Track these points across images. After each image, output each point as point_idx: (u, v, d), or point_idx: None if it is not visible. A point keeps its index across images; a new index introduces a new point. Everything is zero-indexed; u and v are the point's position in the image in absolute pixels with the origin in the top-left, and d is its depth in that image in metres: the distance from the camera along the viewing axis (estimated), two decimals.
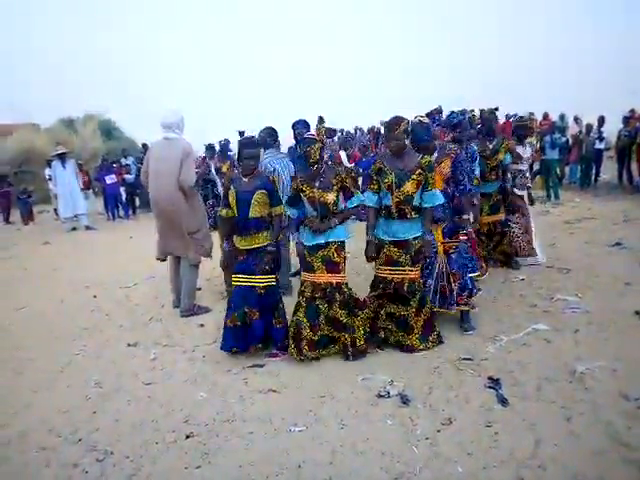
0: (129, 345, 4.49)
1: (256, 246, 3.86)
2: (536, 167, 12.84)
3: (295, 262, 6.14)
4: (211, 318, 4.91)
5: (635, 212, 8.54)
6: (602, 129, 11.42)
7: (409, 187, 3.66)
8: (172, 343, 4.43)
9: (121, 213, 13.59)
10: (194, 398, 3.41)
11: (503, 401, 3.04)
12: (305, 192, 3.76)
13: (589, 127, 11.79)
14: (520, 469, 2.43)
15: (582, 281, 5.13)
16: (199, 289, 5.71)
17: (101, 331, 4.93)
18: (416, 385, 3.34)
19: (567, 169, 12.57)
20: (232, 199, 3.86)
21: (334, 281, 3.75)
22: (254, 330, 3.84)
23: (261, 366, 3.80)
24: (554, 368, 3.39)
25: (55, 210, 13.04)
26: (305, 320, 3.71)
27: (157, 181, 4.86)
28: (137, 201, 14.15)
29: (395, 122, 3.65)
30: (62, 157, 11.57)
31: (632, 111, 12.12)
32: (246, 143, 3.86)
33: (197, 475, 2.64)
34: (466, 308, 4.14)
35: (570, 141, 12.34)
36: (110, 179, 13.00)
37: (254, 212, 3.81)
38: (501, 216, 5.66)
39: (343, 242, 3.82)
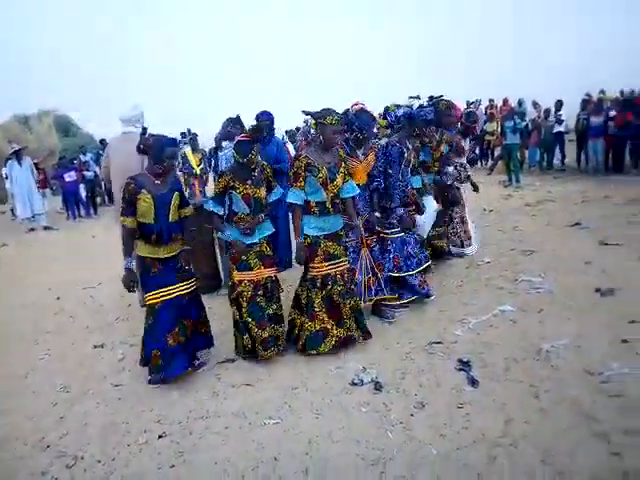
0: (95, 346, 4.38)
1: (174, 253, 3.57)
2: (498, 152, 13.13)
3: None
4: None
5: (592, 193, 8.83)
6: (560, 113, 11.71)
7: (339, 180, 3.69)
8: (139, 342, 4.33)
9: (82, 211, 13.21)
10: (166, 397, 3.35)
11: (473, 382, 3.10)
12: (239, 189, 3.62)
13: (547, 111, 12.08)
14: (492, 448, 2.49)
15: (545, 262, 5.27)
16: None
17: (66, 333, 4.79)
18: (389, 371, 3.38)
19: (527, 153, 12.84)
20: (147, 204, 3.36)
21: (273, 275, 3.78)
22: (194, 342, 3.67)
23: (232, 361, 3.77)
24: (521, 348, 3.47)
25: (12, 210, 12.57)
26: (251, 320, 3.64)
27: (119, 177, 4.72)
28: (98, 198, 13.77)
29: (328, 114, 3.57)
30: (18, 155, 11.14)
31: (588, 94, 12.48)
32: (168, 141, 3.45)
33: (172, 475, 2.60)
34: (386, 297, 4.22)
35: (529, 126, 12.62)
36: (69, 177, 12.60)
37: (174, 216, 3.51)
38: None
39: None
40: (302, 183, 3.62)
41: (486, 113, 14.24)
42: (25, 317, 5.36)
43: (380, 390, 3.14)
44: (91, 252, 8.44)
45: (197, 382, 3.52)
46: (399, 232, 4.31)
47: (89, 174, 12.99)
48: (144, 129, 3.91)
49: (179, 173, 8.86)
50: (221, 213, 3.70)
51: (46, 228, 11.42)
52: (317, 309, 3.67)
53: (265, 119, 5.46)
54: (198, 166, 7.42)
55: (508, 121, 10.99)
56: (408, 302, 4.33)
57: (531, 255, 5.57)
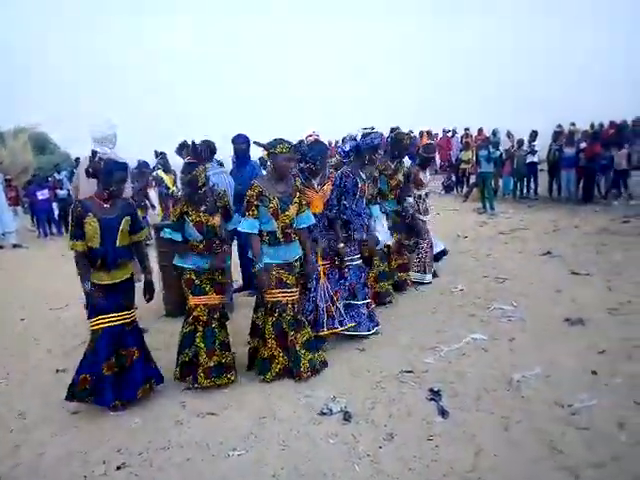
0: (57, 371, 4.21)
1: (124, 279, 3.47)
2: (473, 180, 13.36)
3: (237, 278, 6.05)
4: (147, 339, 4.68)
5: (564, 222, 9.01)
6: (534, 143, 12.00)
7: (292, 210, 3.68)
8: None
9: (53, 230, 12.92)
10: (126, 425, 3.22)
11: (443, 413, 3.05)
12: (191, 216, 3.60)
13: (520, 141, 12.37)
14: None
15: (517, 290, 5.31)
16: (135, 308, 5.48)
17: (28, 357, 4.61)
18: (359, 400, 3.31)
19: (501, 182, 13.09)
20: (92, 228, 3.29)
21: (224, 302, 3.81)
22: (136, 371, 3.49)
23: (197, 388, 3.65)
24: (492, 377, 3.45)
25: None
26: (203, 346, 3.60)
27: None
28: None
29: (279, 143, 3.59)
30: None
31: (560, 126, 12.86)
32: (117, 165, 3.40)
33: None
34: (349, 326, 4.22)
35: (503, 155, 12.90)
36: (42, 194, 12.39)
37: (122, 241, 3.41)
38: (396, 237, 5.48)
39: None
40: (255, 212, 3.59)
41: (462, 142, 14.55)
42: None
43: (349, 420, 3.07)
44: (60, 272, 8.21)
45: (160, 410, 3.39)
46: (358, 259, 4.36)
47: (62, 193, 12.75)
48: (93, 152, 3.89)
49: (154, 194, 8.79)
50: (179, 239, 3.66)
51: (15, 246, 11.14)
52: (267, 335, 3.67)
53: (241, 142, 5.46)
54: (173, 185, 7.36)
55: (482, 150, 11.21)
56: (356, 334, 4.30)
57: (503, 283, 5.62)
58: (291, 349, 3.65)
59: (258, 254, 3.63)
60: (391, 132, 5.89)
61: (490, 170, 11.15)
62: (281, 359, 3.66)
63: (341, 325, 4.16)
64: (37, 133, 23.03)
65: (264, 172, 5.23)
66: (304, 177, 4.08)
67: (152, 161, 9.01)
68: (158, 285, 5.42)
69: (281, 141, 3.60)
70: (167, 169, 8.04)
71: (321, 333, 4.08)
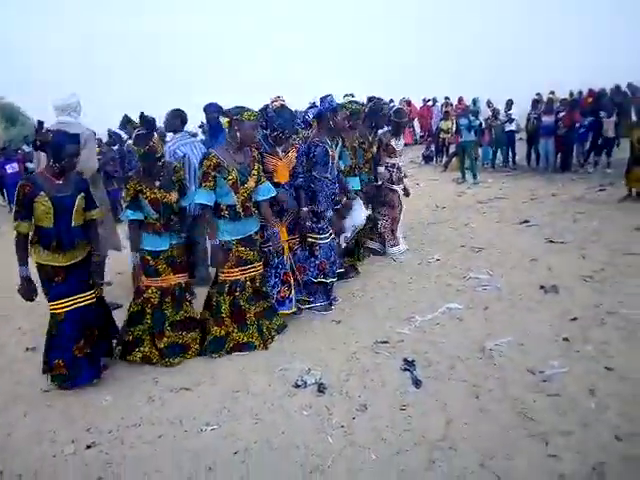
0: (27, 349, 4.12)
1: (80, 258, 3.30)
2: (453, 149, 13.29)
3: None
4: (122, 315, 4.60)
5: (542, 191, 9.04)
6: (510, 112, 11.92)
7: (251, 182, 3.57)
8: None
9: None
10: (98, 403, 3.16)
11: (417, 382, 3.06)
12: (146, 194, 3.43)
13: (496, 111, 12.26)
14: (432, 451, 2.44)
15: (493, 259, 5.33)
16: (109, 284, 5.38)
17: None
18: (334, 372, 3.30)
19: (480, 151, 13.06)
20: (44, 207, 3.07)
21: (183, 281, 3.69)
22: (99, 348, 3.48)
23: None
24: (466, 346, 3.46)
25: None
26: (151, 327, 3.59)
27: None
28: None
29: (244, 110, 3.44)
30: None
31: (539, 94, 12.79)
32: (67, 137, 3.12)
33: None
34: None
35: (483, 124, 12.84)
36: (11, 168, 12.00)
37: (77, 220, 3.21)
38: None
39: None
40: (212, 183, 3.44)
41: (442, 111, 14.42)
42: None
43: (323, 392, 3.06)
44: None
45: (132, 386, 3.34)
46: (329, 237, 4.24)
47: (32, 166, 12.36)
48: (40, 122, 3.52)
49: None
50: (141, 218, 3.52)
51: None
52: (224, 314, 3.62)
53: (213, 110, 5.29)
54: None
55: (463, 119, 11.11)
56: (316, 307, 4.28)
57: (480, 252, 5.63)
58: (247, 324, 3.63)
59: (214, 229, 3.53)
60: (369, 102, 5.74)
61: (471, 139, 11.07)
62: (235, 335, 3.63)
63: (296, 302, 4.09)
64: (5, 104, 22.23)
65: None
66: (268, 145, 3.91)
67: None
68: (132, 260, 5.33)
69: (246, 108, 3.45)
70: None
71: (285, 312, 4.01)
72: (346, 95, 5.19)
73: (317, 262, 4.17)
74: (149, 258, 3.53)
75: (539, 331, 3.58)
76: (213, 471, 2.47)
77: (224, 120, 3.56)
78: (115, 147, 8.87)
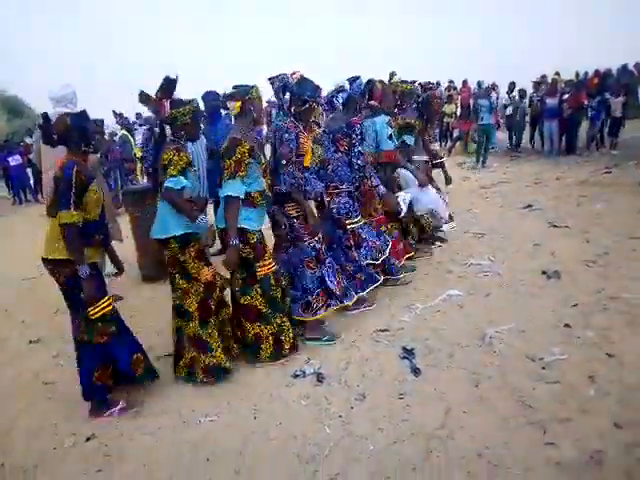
0: (31, 342, 4.15)
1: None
2: (456, 133, 13.16)
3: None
4: (125, 306, 4.62)
5: (545, 174, 8.94)
6: (513, 94, 11.74)
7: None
8: None
9: (29, 196, 12.62)
10: None
11: (415, 371, 3.04)
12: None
13: (522, 91, 11.84)
14: (429, 440, 2.43)
15: (495, 245, 5.28)
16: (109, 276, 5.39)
17: (0, 328, 4.52)
18: (333, 361, 3.29)
19: None
20: (97, 198, 2.79)
21: None
22: None
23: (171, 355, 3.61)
24: (466, 334, 3.44)
25: None
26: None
27: (50, 163, 4.43)
28: None
29: (253, 87, 3.21)
30: None
31: (543, 76, 12.59)
32: (85, 117, 2.87)
33: None
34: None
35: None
36: (14, 160, 12.01)
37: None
38: None
39: None
40: (245, 172, 3.09)
41: (445, 95, 14.23)
42: None
43: (322, 382, 3.06)
44: (35, 239, 8.02)
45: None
46: (360, 220, 3.99)
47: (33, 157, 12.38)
48: (45, 115, 3.12)
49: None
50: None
51: None
52: (274, 315, 3.32)
53: (211, 98, 5.27)
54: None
55: (483, 100, 10.50)
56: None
57: (482, 238, 5.58)
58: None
59: (234, 225, 3.11)
60: (423, 90, 5.53)
61: (491, 122, 10.52)
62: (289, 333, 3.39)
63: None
64: (8, 96, 22.19)
65: None
66: (294, 119, 3.51)
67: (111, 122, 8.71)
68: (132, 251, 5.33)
69: (250, 85, 3.21)
70: (130, 129, 7.75)
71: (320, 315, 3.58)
72: (393, 73, 5.07)
73: (369, 244, 3.98)
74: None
75: (540, 317, 3.54)
76: (212, 462, 2.48)
77: (235, 104, 3.21)
78: (142, 129, 8.50)
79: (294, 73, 3.60)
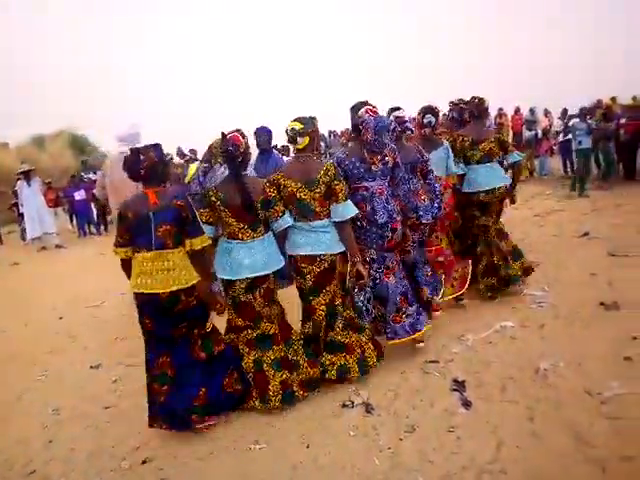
0: (92, 367, 4.36)
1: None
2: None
3: None
4: None
5: (602, 202, 8.62)
6: (566, 121, 11.47)
7: None
8: (136, 362, 4.28)
9: (92, 229, 13.34)
10: None
11: (466, 404, 2.99)
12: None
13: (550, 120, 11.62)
14: (481, 474, 2.38)
15: (550, 274, 5.12)
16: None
17: (64, 353, 4.78)
18: (381, 392, 3.28)
19: (536, 162, 12.66)
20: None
21: None
22: None
23: None
24: (519, 366, 3.35)
25: (23, 230, 12.71)
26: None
27: (118, 197, 4.72)
28: (109, 217, 13.90)
29: (362, 102, 3.42)
30: (27, 175, 11.27)
31: (599, 101, 12.26)
32: (162, 150, 3.06)
33: None
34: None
35: (540, 134, 12.46)
36: (79, 195, 12.75)
37: None
38: None
39: None
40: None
41: (495, 123, 14.07)
42: (26, 337, 5.38)
43: (371, 413, 3.05)
44: (98, 270, 8.47)
45: None
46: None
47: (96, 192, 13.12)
48: (134, 150, 3.27)
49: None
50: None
51: (57, 247, 11.54)
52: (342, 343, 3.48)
53: (264, 133, 5.44)
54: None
55: (580, 123, 9.93)
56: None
57: (537, 267, 5.42)
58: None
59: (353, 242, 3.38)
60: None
61: (589, 146, 9.86)
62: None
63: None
64: (76, 135, 23.75)
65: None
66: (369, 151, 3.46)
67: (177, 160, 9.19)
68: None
69: (311, 116, 3.34)
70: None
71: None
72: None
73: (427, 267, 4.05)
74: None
75: (598, 350, 3.40)
76: None
77: (305, 140, 3.28)
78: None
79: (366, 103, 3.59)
